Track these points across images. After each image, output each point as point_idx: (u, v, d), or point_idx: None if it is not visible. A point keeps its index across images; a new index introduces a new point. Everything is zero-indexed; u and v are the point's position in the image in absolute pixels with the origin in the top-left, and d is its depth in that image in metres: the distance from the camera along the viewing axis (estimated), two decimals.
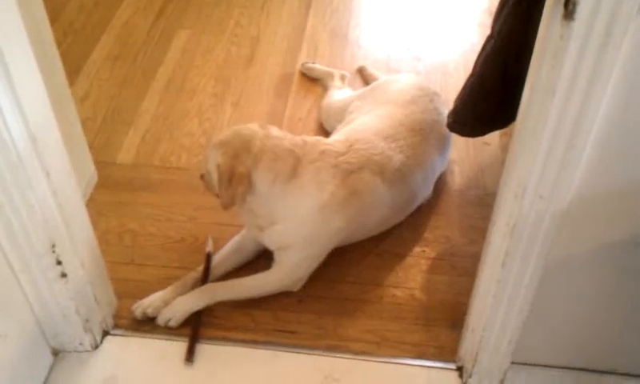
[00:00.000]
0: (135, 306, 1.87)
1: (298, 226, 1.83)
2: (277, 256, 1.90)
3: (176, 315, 1.84)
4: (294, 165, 1.80)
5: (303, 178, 1.81)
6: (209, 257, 1.97)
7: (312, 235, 1.85)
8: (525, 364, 1.72)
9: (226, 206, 1.80)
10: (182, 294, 1.88)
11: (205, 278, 1.93)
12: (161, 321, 1.84)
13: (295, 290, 1.92)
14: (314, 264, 1.91)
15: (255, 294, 1.90)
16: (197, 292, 1.87)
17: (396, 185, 1.95)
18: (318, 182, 1.81)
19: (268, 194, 1.79)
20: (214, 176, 1.80)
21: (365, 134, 2.00)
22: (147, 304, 1.87)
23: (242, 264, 2.00)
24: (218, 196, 1.83)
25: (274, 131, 1.86)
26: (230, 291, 1.89)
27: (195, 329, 1.83)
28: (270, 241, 1.89)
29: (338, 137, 2.02)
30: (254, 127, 1.84)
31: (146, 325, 1.86)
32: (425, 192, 2.13)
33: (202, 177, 1.93)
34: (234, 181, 1.75)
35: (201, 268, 1.96)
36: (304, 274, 1.91)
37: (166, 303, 1.87)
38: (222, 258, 1.98)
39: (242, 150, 1.77)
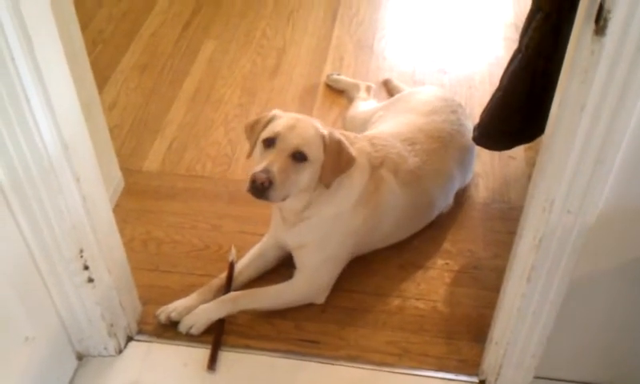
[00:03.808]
0: (159, 310, 1.89)
1: (334, 217, 1.85)
2: (296, 259, 1.91)
3: (198, 323, 1.85)
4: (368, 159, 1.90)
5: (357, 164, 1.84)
6: (232, 266, 1.98)
7: (333, 227, 1.86)
8: (548, 378, 1.71)
9: (333, 178, 1.76)
10: (206, 300, 1.89)
11: (228, 287, 1.94)
12: (183, 328, 1.85)
13: (319, 301, 1.93)
14: (333, 271, 1.92)
15: (278, 303, 1.91)
16: (219, 301, 1.88)
17: (410, 186, 1.96)
18: (361, 169, 1.86)
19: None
20: (318, 156, 1.71)
21: (383, 133, 2.04)
22: (171, 309, 1.88)
23: (264, 271, 2.01)
24: (230, 264, 1.92)
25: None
26: (253, 300, 1.89)
27: (217, 337, 1.84)
28: (292, 238, 1.89)
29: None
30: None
31: (169, 331, 1.87)
32: (443, 201, 2.13)
33: (265, 179, 1.63)
34: (343, 150, 1.76)
35: (224, 275, 1.97)
36: (325, 282, 1.92)
37: (190, 309, 1.88)
38: (244, 266, 1.99)
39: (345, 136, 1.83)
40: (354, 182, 1.85)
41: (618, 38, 1.04)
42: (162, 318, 1.88)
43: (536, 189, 1.32)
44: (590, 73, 1.09)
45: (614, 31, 1.04)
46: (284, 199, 1.71)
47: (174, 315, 1.87)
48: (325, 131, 1.76)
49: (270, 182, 1.63)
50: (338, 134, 1.79)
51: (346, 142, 1.79)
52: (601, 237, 1.35)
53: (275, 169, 1.65)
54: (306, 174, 1.71)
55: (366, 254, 2.03)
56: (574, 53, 1.13)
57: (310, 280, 1.91)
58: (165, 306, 1.90)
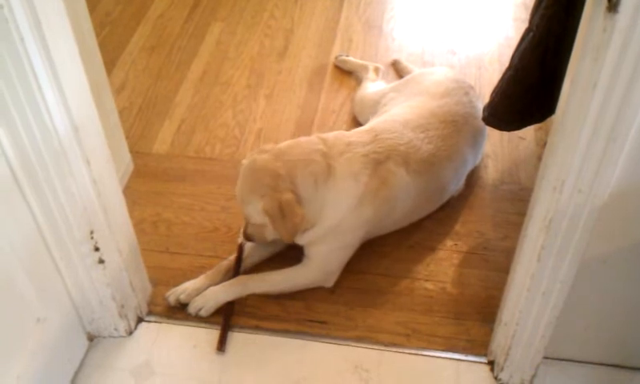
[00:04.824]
0: (169, 292, 1.90)
1: (339, 219, 1.84)
2: (307, 250, 1.91)
3: (207, 305, 1.86)
4: (326, 162, 1.80)
5: (340, 172, 1.81)
6: (241, 248, 1.98)
7: (341, 227, 1.85)
8: (557, 359, 1.71)
9: (291, 238, 1.80)
10: (214, 282, 1.90)
11: (237, 269, 1.95)
12: (192, 310, 1.86)
13: (328, 285, 1.93)
14: (344, 257, 1.92)
15: (287, 287, 1.91)
16: (229, 284, 1.88)
17: (422, 175, 1.94)
18: (353, 174, 1.82)
19: (313, 198, 1.79)
20: (266, 222, 1.78)
21: (392, 124, 2.00)
22: (180, 291, 1.89)
23: (273, 254, 2.02)
24: (239, 247, 1.92)
25: (275, 148, 1.83)
26: (262, 284, 1.90)
27: (227, 318, 1.85)
28: (299, 241, 1.89)
29: (363, 128, 2.02)
30: (260, 156, 1.80)
31: (179, 312, 1.89)
32: (455, 185, 2.13)
33: (247, 236, 1.89)
34: (286, 212, 1.73)
35: (233, 257, 1.97)
36: (335, 267, 1.92)
37: (199, 291, 1.89)
38: (253, 248, 1.99)
39: (273, 180, 1.74)
40: (348, 193, 1.81)
41: (630, 15, 1.03)
42: (172, 299, 1.89)
43: (547, 168, 1.31)
44: (602, 50, 1.08)
45: (627, 8, 1.02)
46: (295, 235, 1.81)
47: (183, 297, 1.88)
48: (263, 201, 1.74)
49: (252, 239, 1.90)
50: (285, 196, 1.72)
51: (291, 204, 1.72)
52: (612, 216, 1.34)
53: (249, 231, 1.89)
54: (268, 231, 1.83)
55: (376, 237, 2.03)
56: (586, 30, 1.12)
57: (320, 266, 1.91)
58: (174, 288, 1.91)
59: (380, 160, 1.86)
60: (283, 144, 1.86)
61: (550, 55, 1.66)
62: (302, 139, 1.89)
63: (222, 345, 1.80)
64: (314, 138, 1.89)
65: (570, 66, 1.22)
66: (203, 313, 1.86)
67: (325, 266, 1.91)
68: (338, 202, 1.82)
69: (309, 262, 1.90)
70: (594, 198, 1.29)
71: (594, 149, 1.20)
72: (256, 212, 1.78)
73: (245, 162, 1.85)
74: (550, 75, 1.68)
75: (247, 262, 1.98)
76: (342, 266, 1.93)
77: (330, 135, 1.90)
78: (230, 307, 1.87)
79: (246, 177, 1.81)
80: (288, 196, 1.73)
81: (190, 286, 1.90)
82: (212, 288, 1.88)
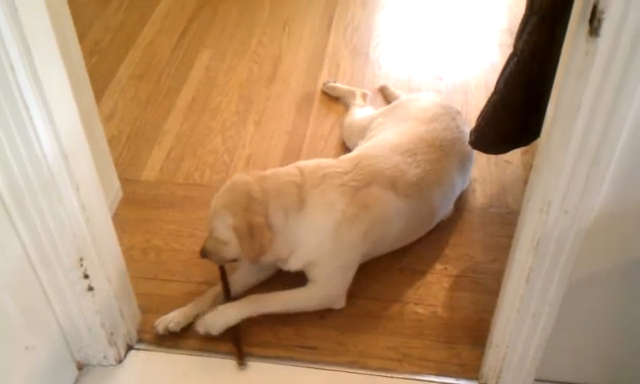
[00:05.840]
0: (157, 321, 1.89)
1: (317, 246, 1.86)
2: (307, 274, 1.91)
3: (218, 324, 1.84)
4: (298, 194, 1.83)
5: (311, 203, 1.84)
6: (222, 270, 1.97)
7: (332, 251, 1.87)
8: (549, 381, 1.71)
9: (255, 259, 1.82)
10: (203, 309, 1.89)
11: (227, 293, 1.94)
12: (201, 328, 1.85)
13: (338, 307, 1.93)
14: (345, 277, 1.92)
15: (297, 308, 1.91)
16: (239, 303, 1.87)
17: (412, 198, 1.95)
18: (326, 204, 1.84)
19: (284, 228, 1.82)
20: (232, 239, 1.80)
21: (379, 149, 2.02)
22: (169, 319, 1.88)
23: (265, 278, 2.01)
24: (220, 269, 1.90)
25: (262, 172, 1.88)
26: (273, 304, 1.89)
27: (237, 333, 1.85)
28: (295, 266, 1.90)
29: (348, 155, 2.05)
30: (242, 177, 1.86)
31: (169, 340, 1.87)
32: (445, 208, 2.14)
33: (203, 252, 1.89)
34: (255, 233, 1.76)
35: (217, 286, 1.97)
36: (340, 288, 1.92)
37: (188, 319, 1.88)
38: (242, 275, 1.99)
39: (247, 202, 1.78)
40: (322, 223, 1.84)
41: (612, 39, 1.05)
42: (160, 328, 1.87)
43: (533, 190, 1.33)
44: (585, 73, 1.10)
45: (608, 32, 1.05)
46: (259, 257, 1.82)
47: (172, 326, 1.87)
48: (234, 219, 1.77)
49: (207, 256, 1.88)
50: (256, 219, 1.76)
51: (261, 226, 1.76)
52: (598, 237, 1.36)
53: (207, 245, 1.88)
54: (230, 249, 1.84)
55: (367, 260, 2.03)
56: (569, 54, 1.14)
57: (324, 289, 1.91)
58: (162, 317, 1.89)
59: (359, 187, 1.88)
60: (268, 171, 1.90)
61: (535, 79, 1.69)
62: (282, 169, 1.92)
63: (242, 360, 1.82)
64: (293, 168, 1.91)
65: (554, 89, 1.24)
66: (213, 332, 1.84)
67: (328, 289, 1.91)
68: (312, 232, 1.84)
69: (312, 286, 1.91)
70: (580, 220, 1.30)
71: (579, 170, 1.22)
72: (224, 226, 1.80)
73: (234, 177, 1.90)
74: (535, 99, 1.70)
75: (237, 286, 1.97)
76: (345, 285, 1.93)
77: (310, 165, 1.92)
78: (236, 328, 1.86)
79: (224, 192, 1.85)
80: (259, 219, 1.76)
81: (178, 313, 1.89)
82: (222, 307, 1.87)
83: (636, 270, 1.44)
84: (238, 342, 1.84)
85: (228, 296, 1.93)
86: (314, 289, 1.91)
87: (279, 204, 1.81)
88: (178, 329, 1.87)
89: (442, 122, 2.14)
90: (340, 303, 1.94)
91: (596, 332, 1.60)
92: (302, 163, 1.94)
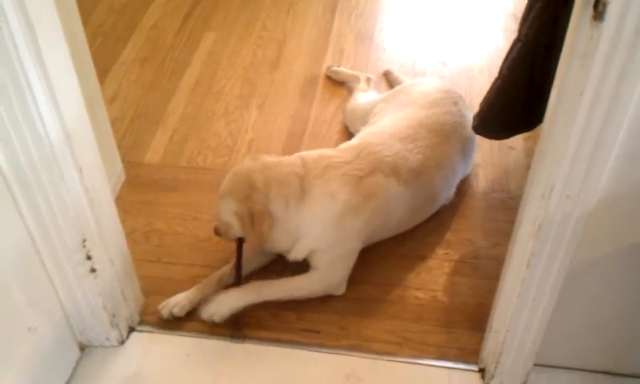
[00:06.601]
0: (161, 305, 1.90)
1: (320, 236, 1.87)
2: (310, 261, 1.92)
3: (221, 311, 1.84)
4: (300, 184, 1.84)
5: (314, 194, 1.84)
6: (240, 250, 1.92)
7: (335, 239, 1.88)
8: (548, 366, 1.72)
9: (258, 247, 1.85)
10: (208, 293, 1.90)
11: (239, 273, 1.91)
12: (205, 314, 1.85)
13: (339, 293, 1.94)
14: (347, 265, 1.93)
15: (299, 294, 1.91)
16: (243, 289, 1.87)
17: (413, 184, 1.96)
18: (329, 194, 1.85)
19: (286, 218, 1.83)
20: (235, 224, 1.83)
21: (380, 136, 2.02)
22: (173, 304, 1.89)
23: (265, 264, 2.02)
24: (238, 242, 1.88)
25: (268, 160, 1.90)
26: (276, 291, 1.90)
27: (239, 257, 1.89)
28: (298, 256, 1.91)
29: (350, 143, 2.05)
30: (248, 164, 1.90)
31: (172, 322, 1.88)
32: (446, 193, 2.14)
33: (216, 230, 1.95)
34: (256, 220, 1.79)
35: (225, 267, 1.97)
36: (341, 274, 1.93)
37: (192, 303, 1.89)
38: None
39: (250, 190, 1.81)
40: (324, 212, 1.85)
41: (616, 23, 1.05)
42: (165, 313, 1.88)
43: (535, 175, 1.33)
44: (589, 58, 1.10)
45: (612, 16, 1.04)
46: (262, 245, 1.86)
47: (176, 311, 1.88)
48: (236, 205, 1.81)
49: (218, 234, 1.95)
50: (257, 207, 1.80)
51: (262, 214, 1.80)
52: (600, 222, 1.36)
53: (218, 225, 1.93)
54: (233, 232, 1.88)
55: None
56: (573, 39, 1.13)
57: (325, 276, 1.92)
58: (166, 301, 1.90)
59: (362, 176, 1.88)
60: (272, 159, 1.92)
61: (538, 65, 1.68)
62: (285, 159, 1.92)
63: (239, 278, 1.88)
64: (296, 158, 1.92)
65: (557, 74, 1.24)
66: (217, 318, 1.84)
67: (330, 273, 1.92)
68: (314, 222, 1.85)
69: (314, 271, 1.92)
70: (582, 204, 1.30)
71: (582, 155, 1.22)
72: (227, 211, 1.84)
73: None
74: (539, 84, 1.70)
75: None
76: (346, 273, 1.94)
77: (312, 156, 1.93)
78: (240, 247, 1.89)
79: (230, 177, 1.89)
80: (259, 207, 1.80)
81: (182, 297, 1.90)
82: (225, 294, 1.87)
83: (637, 255, 1.45)
84: (237, 323, 1.85)
85: (239, 277, 1.91)
86: (315, 276, 1.91)
87: (280, 193, 1.82)
88: (182, 313, 1.88)
89: (443, 106, 2.14)
90: (341, 290, 1.95)
91: (596, 317, 1.60)
92: (305, 154, 1.95)
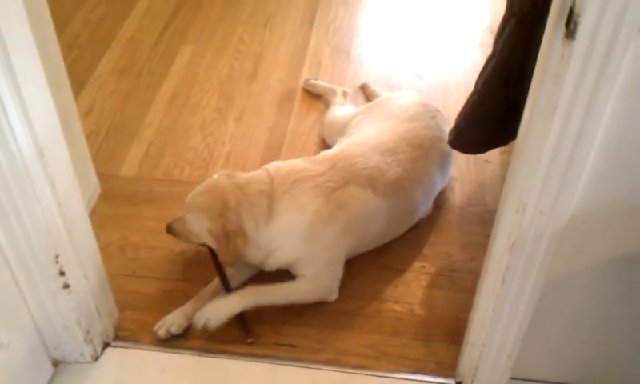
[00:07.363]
0: (157, 325, 1.87)
1: (291, 248, 1.87)
2: (292, 270, 1.92)
3: (217, 316, 1.82)
4: (267, 204, 1.85)
5: (281, 209, 1.85)
6: (218, 264, 1.93)
7: (311, 250, 1.87)
8: (524, 380, 1.72)
9: (233, 263, 1.86)
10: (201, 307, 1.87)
11: (226, 285, 1.91)
12: (198, 320, 1.82)
13: (330, 299, 1.94)
14: (333, 273, 1.93)
15: (293, 300, 1.91)
16: (236, 296, 1.86)
17: (392, 197, 1.96)
18: (297, 206, 1.86)
19: (257, 236, 1.85)
20: (206, 239, 1.86)
21: (360, 147, 2.03)
22: (170, 322, 1.86)
23: (258, 271, 2.01)
24: (211, 254, 1.90)
25: (240, 177, 1.91)
26: (270, 296, 1.89)
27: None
28: (276, 265, 1.91)
29: (328, 152, 2.06)
30: (221, 180, 1.90)
31: (146, 337, 1.86)
32: (424, 206, 2.15)
33: (169, 229, 1.98)
34: (230, 238, 1.81)
35: (216, 281, 1.95)
36: (329, 282, 1.93)
37: (189, 318, 1.86)
38: (236, 269, 1.97)
39: (223, 209, 1.83)
40: (294, 225, 1.86)
41: (587, 42, 1.06)
42: (162, 332, 1.86)
43: (509, 190, 1.34)
44: (561, 76, 1.11)
45: (584, 35, 1.06)
46: (237, 261, 1.88)
47: (173, 329, 1.86)
48: (209, 224, 1.82)
49: (171, 233, 2.01)
50: (231, 226, 1.81)
51: (236, 231, 1.81)
52: (574, 238, 1.37)
53: (174, 225, 1.99)
54: (199, 239, 1.91)
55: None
56: (545, 56, 1.15)
57: (313, 284, 1.92)
58: (162, 321, 1.87)
59: (335, 187, 1.89)
60: (246, 175, 1.93)
61: (513, 81, 1.70)
62: (255, 176, 1.92)
63: (249, 335, 1.87)
64: (264, 174, 1.92)
65: (530, 91, 1.25)
66: (212, 324, 1.81)
67: (318, 281, 1.92)
68: (283, 236, 1.86)
69: (302, 279, 1.91)
70: (556, 220, 1.31)
71: (554, 172, 1.23)
72: (200, 227, 1.86)
73: (215, 176, 1.93)
74: (513, 100, 1.71)
75: (231, 282, 1.94)
76: (334, 279, 1.94)
77: (282, 171, 1.92)
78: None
79: (203, 191, 1.90)
80: (233, 226, 1.81)
81: (179, 314, 1.88)
82: (220, 299, 1.85)
83: (612, 269, 1.46)
84: (243, 321, 1.87)
85: (228, 289, 1.91)
86: (303, 286, 1.91)
87: (250, 215, 1.84)
88: (180, 331, 1.86)
89: (423, 120, 2.16)
90: (333, 296, 1.95)
91: (572, 332, 1.61)
92: (273, 168, 1.94)
